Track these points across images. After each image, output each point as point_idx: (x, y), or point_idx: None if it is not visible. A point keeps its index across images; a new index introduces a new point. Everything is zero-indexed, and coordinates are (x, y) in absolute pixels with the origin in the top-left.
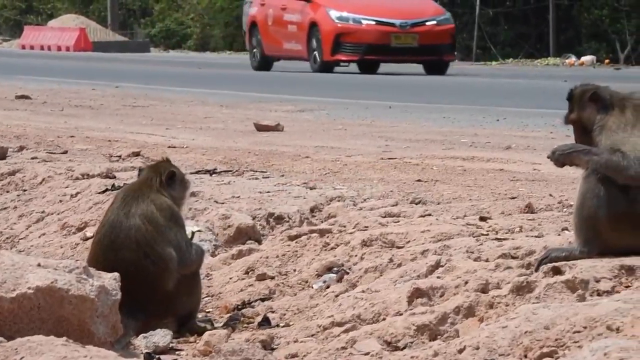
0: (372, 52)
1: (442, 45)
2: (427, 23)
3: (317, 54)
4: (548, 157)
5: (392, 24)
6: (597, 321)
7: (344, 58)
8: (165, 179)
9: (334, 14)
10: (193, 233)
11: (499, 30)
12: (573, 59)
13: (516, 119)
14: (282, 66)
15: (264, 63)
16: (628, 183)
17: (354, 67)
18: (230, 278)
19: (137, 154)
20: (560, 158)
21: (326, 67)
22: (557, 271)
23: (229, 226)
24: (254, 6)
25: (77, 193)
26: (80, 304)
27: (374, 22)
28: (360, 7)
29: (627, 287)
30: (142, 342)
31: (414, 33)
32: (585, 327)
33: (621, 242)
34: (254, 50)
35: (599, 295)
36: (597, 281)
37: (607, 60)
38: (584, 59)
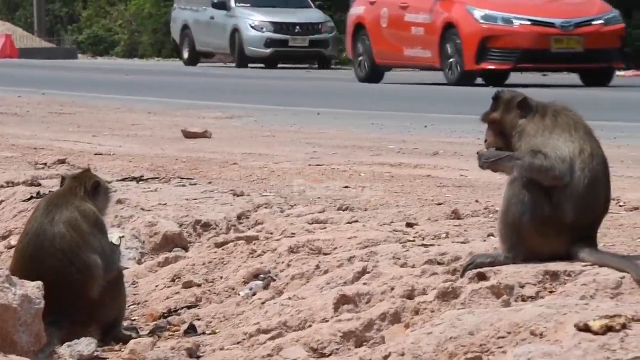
0: (528, 59)
1: (611, 49)
2: (594, 23)
3: (455, 63)
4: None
5: (552, 25)
6: (521, 327)
7: (492, 67)
8: (90, 189)
9: (477, 13)
10: (120, 238)
11: None
12: None
13: (444, 126)
14: (399, 77)
15: (374, 74)
16: (553, 184)
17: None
18: (157, 286)
19: (63, 162)
20: (485, 166)
21: (468, 78)
22: (482, 277)
23: (155, 234)
24: (359, 5)
25: (2, 201)
26: (3, 313)
27: (529, 23)
28: (509, 3)
29: (551, 292)
30: (67, 351)
31: (579, 35)
32: (509, 333)
33: (545, 248)
34: (360, 58)
35: (523, 300)
36: (522, 287)
37: None
38: None
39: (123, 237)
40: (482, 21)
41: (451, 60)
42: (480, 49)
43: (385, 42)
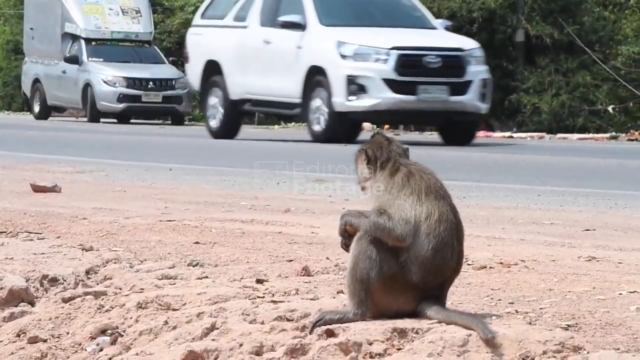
0: None
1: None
2: None
3: None
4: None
5: None
6: None
7: None
8: None
9: None
10: None
11: None
12: None
13: (296, 183)
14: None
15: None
16: (396, 245)
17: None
18: (1, 341)
19: None
20: (340, 225)
21: None
22: (330, 334)
23: (0, 288)
24: None
25: None
26: None
27: None
28: None
29: (399, 349)
30: None
31: None
32: None
33: (393, 304)
34: None
35: (371, 357)
36: (370, 344)
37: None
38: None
39: None
40: None
41: None
42: None
43: None
